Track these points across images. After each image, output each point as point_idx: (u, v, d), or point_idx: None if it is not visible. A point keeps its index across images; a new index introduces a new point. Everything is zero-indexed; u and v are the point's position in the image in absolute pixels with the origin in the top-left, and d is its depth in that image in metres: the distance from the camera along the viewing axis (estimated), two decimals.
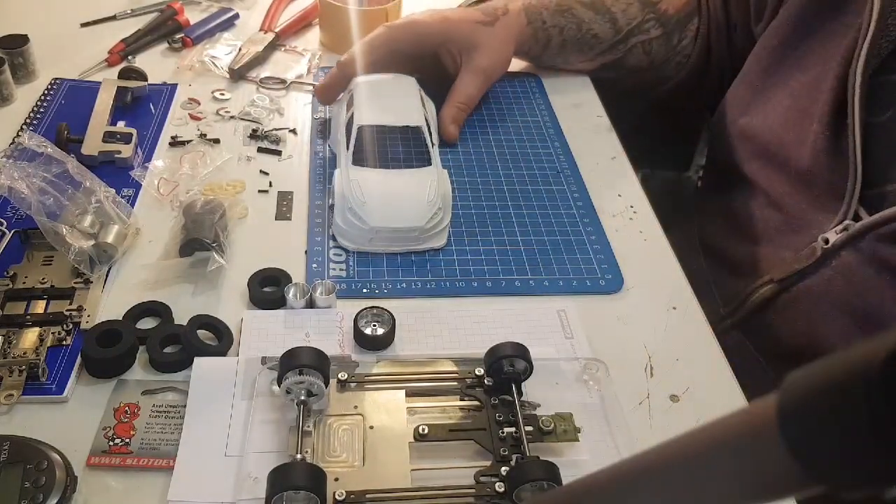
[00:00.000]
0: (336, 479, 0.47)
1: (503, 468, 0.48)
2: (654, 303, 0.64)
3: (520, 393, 0.52)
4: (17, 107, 0.79)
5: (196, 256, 0.62)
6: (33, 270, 0.60)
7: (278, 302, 0.60)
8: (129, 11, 0.95)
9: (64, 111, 0.79)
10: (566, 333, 0.59)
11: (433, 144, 0.69)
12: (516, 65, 0.94)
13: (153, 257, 0.63)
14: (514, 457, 0.49)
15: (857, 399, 0.19)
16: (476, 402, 0.53)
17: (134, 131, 0.74)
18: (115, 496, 0.47)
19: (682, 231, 0.82)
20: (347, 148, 0.67)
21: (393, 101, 0.72)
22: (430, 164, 0.67)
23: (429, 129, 0.70)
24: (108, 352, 0.53)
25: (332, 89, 0.78)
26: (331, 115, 0.79)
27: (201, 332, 0.57)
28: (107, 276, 0.61)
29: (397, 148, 0.70)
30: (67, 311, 0.57)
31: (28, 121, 0.77)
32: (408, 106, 0.71)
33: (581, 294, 0.64)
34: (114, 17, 0.94)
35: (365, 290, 0.62)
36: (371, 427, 0.51)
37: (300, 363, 0.49)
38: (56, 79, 0.83)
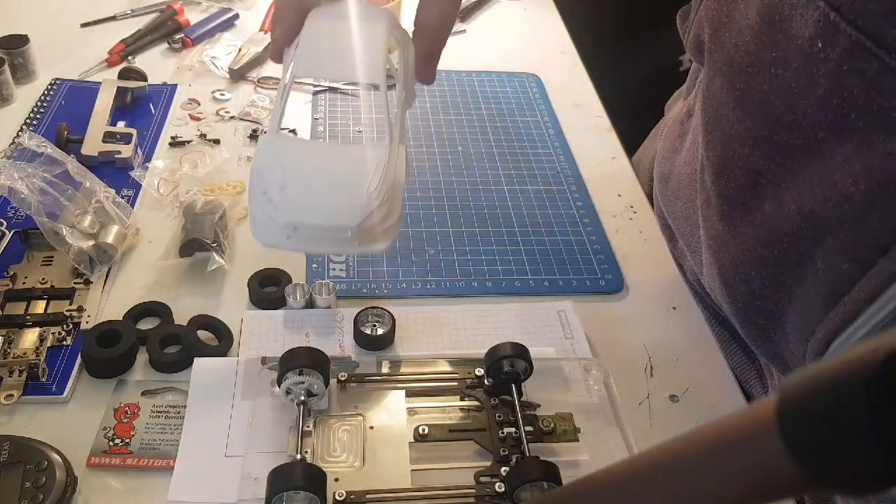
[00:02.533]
0: (336, 480, 0.47)
1: (503, 468, 0.48)
2: (654, 303, 0.64)
3: (520, 393, 0.52)
4: (17, 107, 0.79)
5: (196, 257, 0.62)
6: (33, 271, 0.60)
7: (278, 302, 0.60)
8: (128, 12, 0.95)
9: (64, 111, 0.79)
10: (566, 334, 0.59)
11: (397, 110, 0.50)
12: (517, 65, 0.94)
13: (153, 257, 0.63)
14: (514, 457, 0.49)
15: (857, 399, 0.19)
16: (476, 403, 0.53)
17: (134, 131, 0.74)
18: (115, 496, 0.47)
19: None
20: (277, 109, 0.50)
21: (347, 46, 0.50)
22: (385, 140, 0.49)
23: (394, 87, 0.50)
24: (108, 352, 0.53)
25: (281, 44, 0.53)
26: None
27: (201, 333, 0.56)
28: (107, 276, 0.61)
29: None
30: (67, 311, 0.57)
31: (28, 121, 0.77)
32: (366, 54, 0.49)
33: (581, 294, 0.64)
34: (114, 18, 0.94)
35: (365, 291, 0.62)
36: (371, 427, 0.51)
37: (300, 363, 0.49)
38: (56, 79, 0.83)
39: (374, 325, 0.57)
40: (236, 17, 0.97)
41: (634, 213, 0.73)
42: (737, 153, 0.45)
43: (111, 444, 0.49)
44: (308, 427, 0.49)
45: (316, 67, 0.50)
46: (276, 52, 0.53)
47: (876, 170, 0.35)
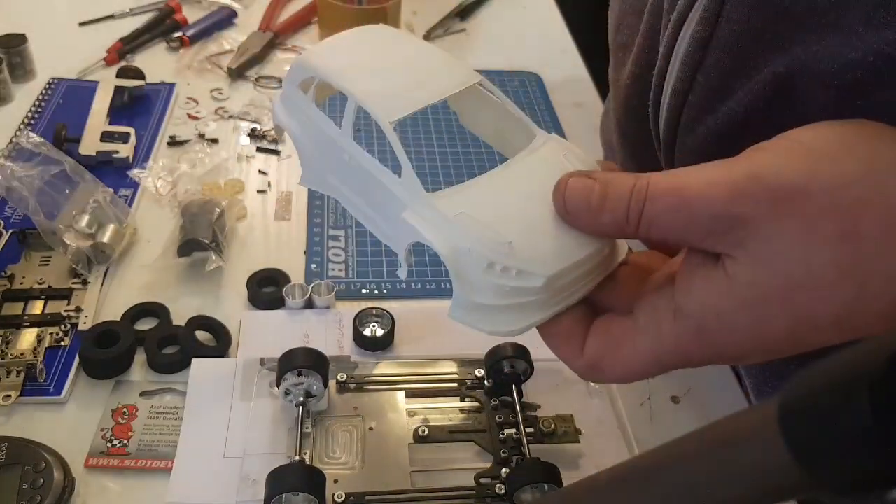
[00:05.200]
0: (335, 481, 0.47)
1: (503, 470, 0.48)
2: None
3: (520, 394, 0.52)
4: (14, 106, 0.79)
5: (194, 257, 0.62)
6: (31, 271, 0.60)
7: (277, 302, 0.60)
8: (127, 10, 0.95)
9: (62, 111, 0.78)
10: None
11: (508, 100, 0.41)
12: (516, 63, 0.94)
13: (151, 257, 0.63)
14: (514, 458, 0.49)
15: (860, 400, 0.18)
16: (476, 404, 0.53)
17: (132, 131, 0.74)
18: (114, 498, 0.47)
19: None
20: (398, 171, 0.36)
21: (401, 64, 0.39)
22: (536, 135, 0.38)
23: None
24: (106, 353, 0.53)
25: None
26: (291, 135, 0.42)
27: (200, 333, 0.56)
28: (105, 276, 0.60)
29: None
30: (65, 311, 0.57)
31: (26, 121, 0.77)
32: (434, 62, 0.40)
33: None
34: (112, 16, 0.94)
35: (364, 291, 0.62)
36: (370, 428, 0.51)
37: (299, 364, 0.49)
38: (54, 78, 0.83)
39: (374, 326, 0.57)
40: (235, 15, 0.97)
41: None
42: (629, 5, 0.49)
43: (109, 445, 0.49)
44: (307, 428, 0.49)
45: (407, 100, 0.37)
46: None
47: None
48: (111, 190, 0.65)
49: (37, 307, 0.57)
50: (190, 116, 0.80)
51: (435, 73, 0.39)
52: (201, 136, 0.77)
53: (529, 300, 0.33)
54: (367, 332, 0.56)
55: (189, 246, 0.61)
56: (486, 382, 0.53)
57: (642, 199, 0.30)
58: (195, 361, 0.54)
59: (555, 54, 0.97)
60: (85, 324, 0.56)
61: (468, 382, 0.54)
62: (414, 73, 0.38)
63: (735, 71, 0.38)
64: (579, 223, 0.33)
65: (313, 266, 0.64)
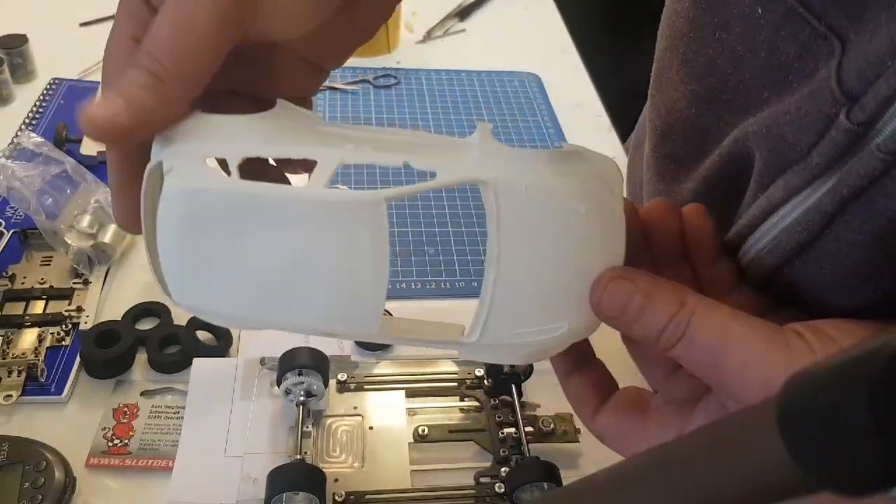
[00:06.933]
0: (336, 480, 0.47)
1: (503, 469, 0.48)
2: None
3: (520, 394, 0.52)
4: (16, 107, 0.79)
5: None
6: (32, 271, 0.60)
7: None
8: None
9: (63, 111, 0.78)
10: None
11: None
12: (516, 64, 0.94)
13: None
14: (513, 458, 0.49)
15: (859, 399, 0.19)
16: (476, 403, 0.53)
17: None
18: (115, 497, 0.47)
19: None
20: None
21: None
22: (483, 189, 0.30)
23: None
24: (106, 352, 0.53)
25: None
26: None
27: (200, 333, 0.56)
28: (106, 276, 0.61)
29: None
30: (66, 311, 0.57)
31: (27, 121, 0.77)
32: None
33: None
34: (113, 17, 0.94)
35: None
36: (370, 428, 0.51)
37: (299, 364, 0.49)
38: (55, 79, 0.83)
39: None
40: None
41: None
42: (682, 114, 0.46)
43: (110, 444, 0.49)
44: (307, 427, 0.49)
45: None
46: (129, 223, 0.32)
47: None
48: None
49: (38, 307, 0.57)
50: None
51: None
52: None
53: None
54: None
55: None
56: (485, 382, 0.53)
57: (679, 334, 0.30)
58: (196, 361, 0.54)
59: (555, 54, 0.98)
60: (86, 324, 0.56)
61: (468, 382, 0.54)
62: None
63: (843, 277, 0.35)
64: (610, 322, 0.34)
65: None
